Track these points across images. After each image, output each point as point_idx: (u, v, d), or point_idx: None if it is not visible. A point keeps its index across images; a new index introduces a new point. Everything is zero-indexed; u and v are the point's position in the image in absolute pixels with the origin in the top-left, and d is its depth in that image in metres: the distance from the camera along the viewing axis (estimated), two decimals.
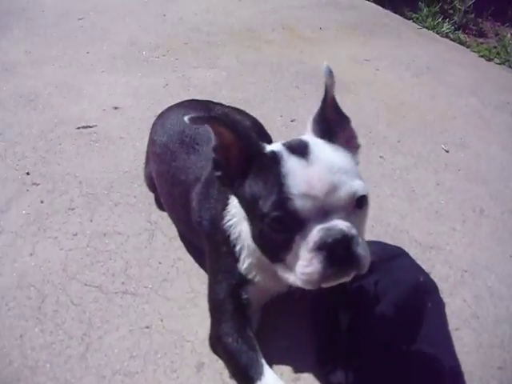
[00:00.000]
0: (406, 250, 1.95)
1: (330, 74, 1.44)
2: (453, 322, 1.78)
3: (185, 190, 1.83)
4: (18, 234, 1.99)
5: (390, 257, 1.85)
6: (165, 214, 2.11)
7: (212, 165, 1.45)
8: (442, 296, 1.84)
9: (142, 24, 3.99)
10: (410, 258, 1.89)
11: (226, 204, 1.59)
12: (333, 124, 1.49)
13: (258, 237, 1.40)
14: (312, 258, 1.28)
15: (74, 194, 2.22)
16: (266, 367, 1.47)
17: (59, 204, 2.16)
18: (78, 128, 2.67)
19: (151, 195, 2.22)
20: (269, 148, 1.43)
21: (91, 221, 2.09)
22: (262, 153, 1.41)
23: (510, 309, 1.89)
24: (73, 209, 2.14)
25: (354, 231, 1.29)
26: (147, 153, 2.23)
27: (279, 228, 1.31)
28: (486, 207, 2.38)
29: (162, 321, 1.71)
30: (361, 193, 1.31)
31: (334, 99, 1.51)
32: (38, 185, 2.26)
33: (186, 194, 1.81)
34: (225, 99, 2.99)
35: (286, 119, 2.91)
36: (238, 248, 1.55)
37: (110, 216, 2.11)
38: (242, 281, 1.56)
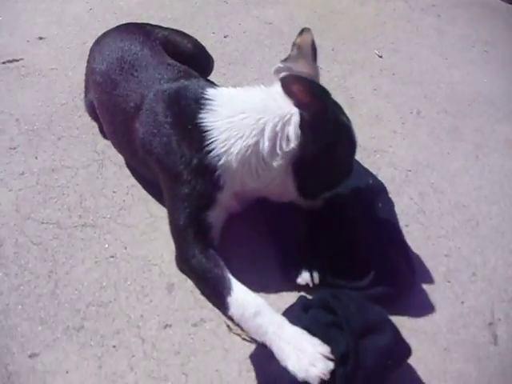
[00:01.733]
0: None
1: None
2: (402, 219, 1.90)
3: (126, 118, 1.82)
4: None
5: None
6: (111, 143, 2.08)
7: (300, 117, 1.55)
8: (390, 196, 1.94)
9: None
10: (358, 163, 1.97)
11: (201, 137, 1.60)
12: None
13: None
14: None
15: (13, 132, 2.14)
16: (234, 281, 1.53)
17: None
18: (4, 63, 2.53)
19: (94, 125, 2.18)
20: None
21: (36, 158, 2.03)
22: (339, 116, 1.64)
23: (451, 202, 2.03)
24: (14, 148, 2.07)
25: None
26: (86, 81, 2.17)
27: None
28: (422, 108, 2.49)
29: (125, 248, 1.74)
30: None
31: None
32: None
33: (128, 123, 1.80)
34: (154, 19, 2.88)
35: (219, 36, 2.86)
36: (217, 175, 1.59)
37: (55, 151, 2.06)
38: (204, 206, 1.61)
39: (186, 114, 1.66)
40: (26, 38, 2.72)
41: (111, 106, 1.89)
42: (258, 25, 2.97)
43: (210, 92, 1.69)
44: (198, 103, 1.65)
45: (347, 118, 1.68)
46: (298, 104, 1.50)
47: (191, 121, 1.63)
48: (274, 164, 1.58)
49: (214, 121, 1.61)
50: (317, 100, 1.49)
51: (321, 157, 1.58)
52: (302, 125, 1.54)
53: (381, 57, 2.84)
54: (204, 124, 1.61)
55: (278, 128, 1.56)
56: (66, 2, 3.06)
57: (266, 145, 1.56)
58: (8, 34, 2.74)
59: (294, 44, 1.69)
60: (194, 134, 1.61)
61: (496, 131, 2.43)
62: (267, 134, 1.56)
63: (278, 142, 1.56)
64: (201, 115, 1.62)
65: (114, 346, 1.48)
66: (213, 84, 1.93)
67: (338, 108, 1.67)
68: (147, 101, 1.75)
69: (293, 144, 1.55)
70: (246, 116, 1.59)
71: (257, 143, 1.57)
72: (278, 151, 1.56)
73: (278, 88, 1.56)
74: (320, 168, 1.61)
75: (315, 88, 1.50)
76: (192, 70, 1.93)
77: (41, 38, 2.74)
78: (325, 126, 1.54)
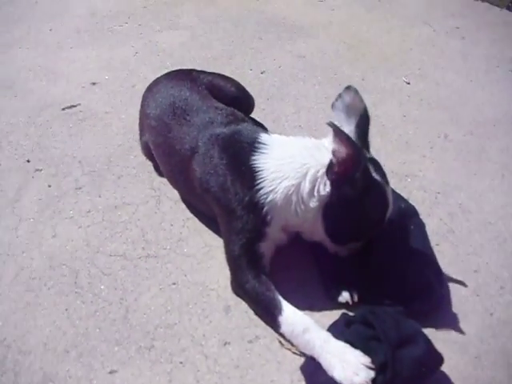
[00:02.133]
0: None
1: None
2: (433, 239, 2.06)
3: (182, 159, 2.04)
4: (36, 220, 2.17)
5: None
6: (165, 180, 2.30)
7: (329, 164, 1.73)
8: (421, 218, 2.11)
9: None
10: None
11: (253, 176, 1.81)
12: None
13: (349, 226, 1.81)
14: None
15: (77, 173, 2.39)
16: (284, 303, 1.73)
17: (66, 185, 2.33)
18: (64, 109, 2.80)
19: (149, 164, 2.41)
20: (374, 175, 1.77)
21: (100, 196, 2.27)
22: (371, 176, 1.75)
23: (479, 220, 2.19)
24: (80, 188, 2.32)
25: None
26: (140, 125, 2.41)
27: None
28: (449, 132, 2.65)
29: (185, 276, 1.95)
30: None
31: None
32: (40, 170, 2.41)
33: (185, 163, 2.02)
34: (194, 60, 3.16)
35: (256, 72, 3.09)
36: (265, 211, 1.79)
37: (116, 189, 2.30)
38: (255, 238, 1.82)
39: (240, 157, 1.86)
40: (81, 85, 3.00)
41: (167, 148, 2.12)
42: (291, 59, 3.19)
43: (263, 137, 1.90)
44: (251, 147, 1.86)
45: (384, 177, 1.81)
46: (334, 152, 1.67)
47: (245, 162, 1.83)
48: (311, 205, 1.77)
49: (265, 162, 1.82)
50: (353, 159, 1.65)
51: (347, 207, 1.75)
52: (328, 171, 1.73)
53: (408, 83, 3.02)
54: (256, 165, 1.82)
55: (319, 174, 1.75)
56: (113, 48, 3.34)
57: (306, 186, 1.76)
58: (65, 82, 3.02)
59: (339, 96, 1.84)
60: (246, 175, 1.82)
61: None
62: (309, 177, 1.75)
63: (316, 186, 1.75)
64: (253, 157, 1.83)
65: (181, 363, 1.69)
66: (262, 127, 2.19)
67: (376, 166, 1.81)
68: (202, 144, 1.97)
69: (328, 189, 1.75)
70: (293, 161, 1.79)
71: (299, 184, 1.77)
72: (315, 193, 1.76)
73: (324, 141, 1.78)
74: (346, 218, 1.77)
75: (357, 151, 1.66)
76: (237, 112, 2.15)
77: (94, 84, 3.01)
78: (351, 182, 1.70)
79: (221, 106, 2.15)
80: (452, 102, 2.88)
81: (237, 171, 1.85)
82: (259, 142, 1.88)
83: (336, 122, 1.77)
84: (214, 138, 1.96)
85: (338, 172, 1.70)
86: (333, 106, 1.86)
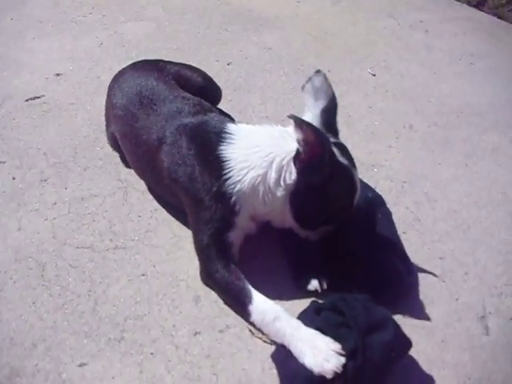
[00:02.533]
0: None
1: None
2: (400, 227, 2.09)
3: (149, 149, 2.02)
4: (0, 213, 2.11)
5: None
6: (132, 171, 2.28)
7: (295, 153, 1.74)
8: (388, 207, 2.13)
9: None
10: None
11: (220, 166, 1.81)
12: None
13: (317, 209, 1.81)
14: None
15: (42, 165, 2.34)
16: (253, 291, 1.73)
17: (31, 177, 2.28)
18: (27, 100, 2.74)
19: (116, 155, 2.38)
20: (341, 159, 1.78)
21: (66, 188, 2.24)
22: (337, 161, 1.76)
23: (444, 209, 2.24)
24: (45, 180, 2.27)
25: None
26: (106, 116, 2.38)
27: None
28: (414, 122, 2.70)
29: (154, 267, 1.94)
30: None
31: None
32: (4, 163, 2.35)
33: (152, 153, 2.01)
34: (160, 51, 3.14)
35: (222, 63, 3.08)
36: (233, 201, 1.79)
37: (82, 181, 2.27)
38: (224, 228, 1.82)
39: (207, 147, 1.86)
40: (45, 76, 2.94)
41: (134, 138, 2.09)
42: (257, 50, 3.19)
43: (230, 127, 1.91)
44: (218, 137, 1.87)
45: (351, 160, 1.83)
46: (299, 141, 1.68)
47: (212, 153, 1.84)
48: (278, 194, 1.79)
49: (232, 152, 1.82)
50: (318, 146, 1.67)
51: (315, 194, 1.77)
52: (296, 160, 1.74)
53: (374, 75, 3.06)
54: (223, 155, 1.82)
55: (284, 162, 1.77)
56: (77, 38, 3.27)
57: (272, 176, 1.77)
58: (28, 73, 2.95)
59: (309, 79, 1.87)
60: (214, 165, 1.82)
61: (483, 140, 2.64)
62: (275, 166, 1.77)
63: (282, 175, 1.77)
64: (221, 147, 1.84)
65: (152, 353, 1.68)
66: (229, 118, 2.19)
67: (342, 150, 1.82)
68: (170, 134, 1.96)
69: (294, 177, 1.76)
70: (259, 150, 1.80)
71: (265, 174, 1.78)
72: (282, 183, 1.78)
73: (289, 129, 1.79)
74: (314, 204, 1.79)
75: (320, 138, 1.67)
76: (204, 102, 2.14)
77: (58, 75, 2.95)
78: (317, 168, 1.71)
79: (188, 95, 2.14)
80: (416, 93, 2.93)
81: (204, 161, 1.85)
82: (226, 132, 1.88)
83: (305, 101, 1.85)
84: (181, 128, 1.95)
85: (303, 160, 1.72)
86: (303, 88, 1.88)
